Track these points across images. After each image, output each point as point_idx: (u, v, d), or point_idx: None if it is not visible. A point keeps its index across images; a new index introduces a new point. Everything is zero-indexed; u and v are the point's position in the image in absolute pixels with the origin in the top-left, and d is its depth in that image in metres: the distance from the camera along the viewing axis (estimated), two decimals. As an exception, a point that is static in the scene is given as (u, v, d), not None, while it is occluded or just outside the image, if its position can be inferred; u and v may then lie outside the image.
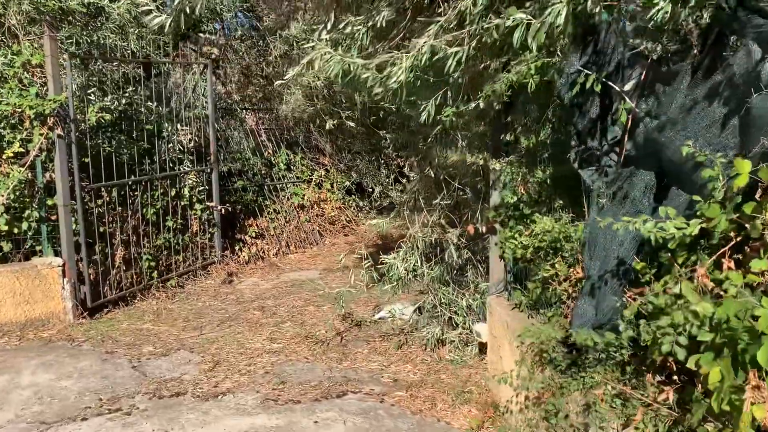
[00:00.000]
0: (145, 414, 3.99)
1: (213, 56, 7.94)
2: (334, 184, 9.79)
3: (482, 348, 4.45)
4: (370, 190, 10.51)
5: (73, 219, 5.77)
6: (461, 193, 4.44)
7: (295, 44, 7.63)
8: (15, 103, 5.36)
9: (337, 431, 3.67)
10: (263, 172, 8.93)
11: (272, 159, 9.16)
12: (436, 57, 2.91)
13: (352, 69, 3.20)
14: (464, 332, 4.55)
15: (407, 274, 4.51)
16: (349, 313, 6.07)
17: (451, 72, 2.93)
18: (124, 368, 4.78)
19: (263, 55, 8.36)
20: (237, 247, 8.03)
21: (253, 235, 8.32)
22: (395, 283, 4.56)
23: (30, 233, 5.73)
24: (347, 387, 4.31)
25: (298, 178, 9.38)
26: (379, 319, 5.76)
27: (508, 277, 3.86)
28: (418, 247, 4.52)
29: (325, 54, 3.21)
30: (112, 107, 6.04)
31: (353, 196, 10.29)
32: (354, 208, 10.05)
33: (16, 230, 5.66)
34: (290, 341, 5.34)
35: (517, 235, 3.26)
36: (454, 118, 3.18)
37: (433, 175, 4.41)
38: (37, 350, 5.14)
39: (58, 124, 5.55)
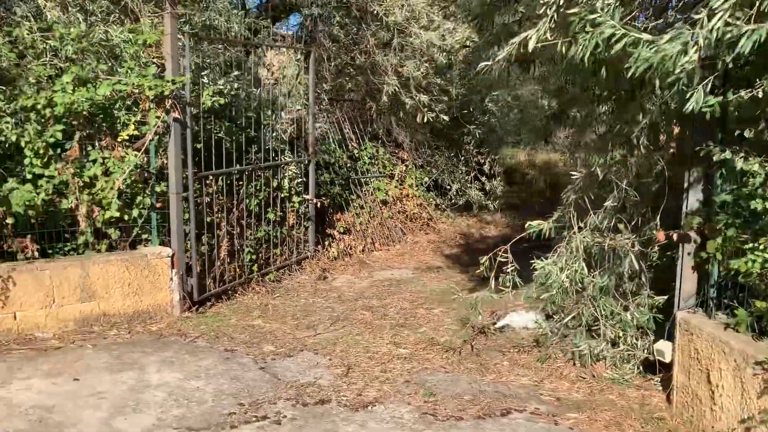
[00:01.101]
0: (296, 424, 3.69)
1: (311, 43, 7.61)
2: (413, 180, 9.44)
3: (650, 367, 4.09)
4: (447, 187, 10.16)
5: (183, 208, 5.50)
6: (627, 194, 4.05)
7: (396, 32, 7.27)
8: (135, 84, 5.07)
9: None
10: (348, 165, 8.62)
11: (356, 152, 8.83)
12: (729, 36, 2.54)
13: (613, 44, 2.81)
14: (626, 349, 4.18)
15: (571, 284, 4.13)
16: (466, 318, 5.73)
17: (746, 53, 2.55)
18: (251, 369, 4.49)
19: (357, 43, 8.02)
20: (327, 243, 7.73)
21: (341, 230, 8.02)
22: (554, 292, 4.19)
23: (140, 221, 5.46)
24: (507, 404, 3.97)
25: (380, 172, 9.06)
26: (502, 327, 5.41)
27: (711, 293, 3.48)
28: (577, 253, 4.14)
29: (587, 20, 2.79)
30: (225, 91, 5.74)
31: (431, 193, 9.94)
32: (433, 206, 9.70)
33: (126, 217, 5.39)
34: (416, 347, 5.02)
35: (761, 248, 2.88)
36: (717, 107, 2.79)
37: (599, 174, 4.02)
38: (150, 345, 4.87)
39: (175, 107, 5.27)
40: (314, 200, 7.23)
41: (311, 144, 7.14)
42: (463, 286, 6.80)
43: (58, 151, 5.09)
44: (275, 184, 6.63)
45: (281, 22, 8.81)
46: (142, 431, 3.57)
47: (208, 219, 5.88)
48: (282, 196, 6.78)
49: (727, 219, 3.16)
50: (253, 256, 6.43)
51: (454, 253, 8.47)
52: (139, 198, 5.40)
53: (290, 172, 6.83)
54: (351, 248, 7.98)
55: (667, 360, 3.77)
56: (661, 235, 3.68)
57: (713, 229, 3.39)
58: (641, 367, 4.23)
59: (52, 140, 5.01)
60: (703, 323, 3.41)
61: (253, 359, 4.68)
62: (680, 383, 3.63)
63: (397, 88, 7.48)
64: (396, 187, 9.02)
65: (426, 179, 9.73)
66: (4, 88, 4.80)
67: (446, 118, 8.03)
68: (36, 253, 5.02)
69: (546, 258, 4.46)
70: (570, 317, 4.33)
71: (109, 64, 5.24)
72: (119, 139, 5.26)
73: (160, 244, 5.60)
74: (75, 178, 5.11)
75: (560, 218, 4.15)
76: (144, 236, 5.63)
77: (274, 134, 6.57)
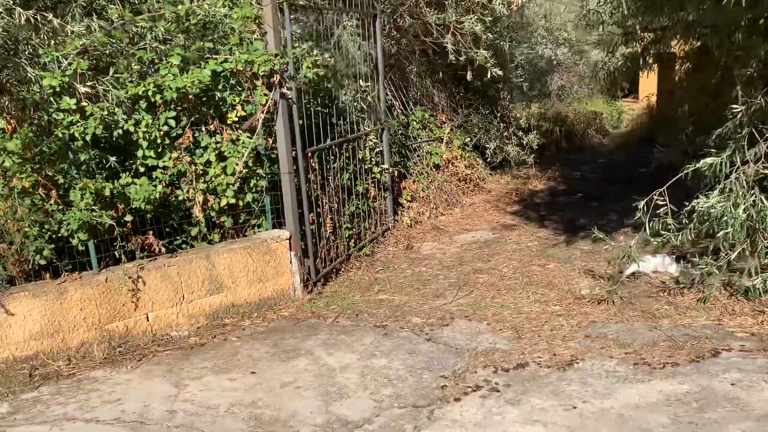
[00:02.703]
0: (516, 389, 3.61)
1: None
2: (459, 141, 9.31)
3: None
4: (486, 146, 10.07)
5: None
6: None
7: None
8: (244, 60, 4.78)
9: (767, 394, 3.30)
10: (400, 132, 8.42)
11: (404, 118, 8.63)
12: None
13: None
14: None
15: (747, 219, 4.10)
16: (589, 270, 5.70)
17: None
18: (419, 342, 4.37)
19: (403, 3, 7.76)
20: (399, 212, 7.57)
21: (409, 198, 7.86)
22: (730, 230, 4.15)
23: (256, 205, 5.21)
24: (709, 345, 3.96)
25: (429, 136, 8.89)
26: (632, 274, 5.37)
27: None
28: (751, 185, 4.11)
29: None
30: (320, 62, 5.48)
31: (475, 153, 9.83)
32: (481, 166, 9.60)
33: (240, 203, 5.14)
34: (564, 303, 4.96)
35: None
36: None
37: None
38: (296, 330, 4.69)
39: (284, 83, 5.00)
40: (391, 169, 7.05)
41: (383, 110, 6.93)
42: (554, 239, 6.79)
43: (167, 140, 4.78)
44: (360, 155, 6.42)
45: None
46: (369, 413, 3.43)
47: (312, 197, 5.65)
48: (366, 167, 6.58)
49: None
50: (350, 232, 6.25)
51: (517, 210, 8.42)
52: (253, 181, 5.14)
53: (371, 143, 6.61)
54: (420, 215, 7.84)
55: None
56: None
57: None
58: None
59: (165, 128, 4.70)
60: None
61: (412, 332, 4.55)
62: None
63: (457, 46, 7.28)
64: (447, 149, 8.87)
65: (468, 139, 9.60)
66: (116, 76, 4.44)
67: (500, 73, 7.87)
68: (163, 249, 4.75)
69: (703, 195, 4.39)
70: (736, 253, 4.30)
71: (213, 42, 4.92)
72: (229, 121, 4.97)
73: (272, 228, 5.37)
74: (192, 166, 4.82)
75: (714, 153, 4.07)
76: (253, 221, 5.39)
77: (355, 104, 6.32)
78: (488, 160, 10.28)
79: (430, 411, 3.42)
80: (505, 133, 10.23)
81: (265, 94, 4.96)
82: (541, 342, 4.24)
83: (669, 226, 4.52)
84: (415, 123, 8.71)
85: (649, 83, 17.77)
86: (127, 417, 3.56)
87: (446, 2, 7.62)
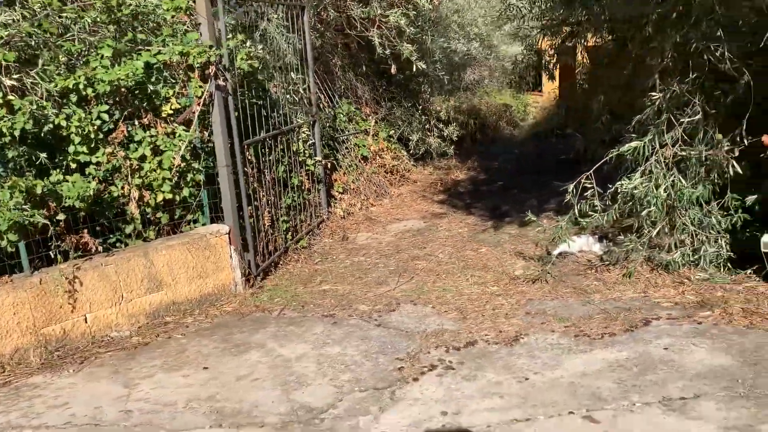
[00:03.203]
0: (470, 366, 3.77)
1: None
2: (385, 134, 9.46)
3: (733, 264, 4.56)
4: (409, 138, 10.28)
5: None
6: (707, 108, 4.40)
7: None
8: (179, 52, 4.69)
9: (699, 356, 3.62)
10: (328, 124, 8.46)
11: (333, 111, 8.68)
12: None
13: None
14: (714, 250, 4.60)
15: (668, 198, 4.44)
16: (520, 252, 5.98)
17: None
18: (369, 328, 4.46)
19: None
20: (331, 204, 7.63)
21: (341, 190, 7.93)
22: (653, 208, 4.49)
23: (194, 200, 5.13)
24: (640, 315, 4.27)
25: (356, 129, 8.98)
26: (560, 254, 5.69)
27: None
28: (670, 167, 4.47)
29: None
30: (254, 53, 5.44)
31: (399, 145, 10.01)
32: (406, 158, 9.79)
33: (177, 198, 5.04)
34: (501, 284, 5.19)
35: None
36: None
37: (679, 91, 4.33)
38: (242, 325, 4.67)
39: (219, 74, 4.95)
40: (323, 161, 7.08)
41: (314, 103, 6.95)
42: (482, 225, 7.06)
43: (101, 134, 4.62)
44: (295, 148, 6.42)
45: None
46: (331, 399, 3.49)
47: (249, 190, 5.61)
48: (300, 160, 6.59)
49: None
50: (287, 225, 6.25)
51: (443, 199, 8.67)
52: (190, 176, 5.04)
53: (303, 135, 6.62)
54: (352, 206, 7.93)
55: (773, 250, 4.23)
56: (766, 138, 4.06)
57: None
58: (729, 265, 4.67)
59: (98, 122, 4.54)
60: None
61: (361, 319, 4.64)
62: (795, 268, 4.09)
63: (382, 40, 7.40)
64: (373, 142, 8.99)
65: (392, 132, 9.76)
66: (45, 68, 4.24)
67: (424, 66, 8.06)
68: (100, 248, 4.59)
69: (626, 178, 4.71)
70: (657, 230, 4.65)
71: (145, 34, 4.78)
72: (163, 115, 4.86)
73: (210, 223, 5.30)
74: (126, 161, 4.68)
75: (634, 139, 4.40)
76: (189, 217, 5.29)
77: (287, 96, 6.31)
78: (411, 152, 10.48)
79: (392, 392, 3.51)
80: (427, 126, 10.47)
81: (201, 86, 4.89)
82: (485, 321, 4.43)
83: (596, 208, 4.82)
84: (341, 116, 8.77)
85: (549, 80, 18.66)
86: (79, 420, 3.44)
87: (370, -5, 7.71)
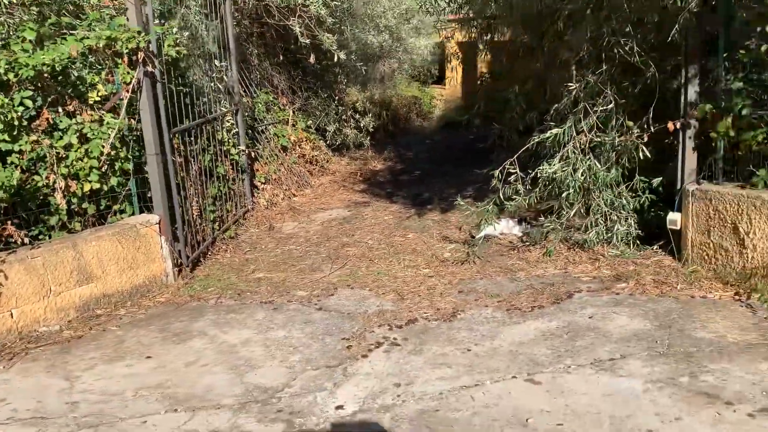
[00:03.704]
0: (415, 341, 3.95)
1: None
2: (303, 124, 9.50)
3: (640, 241, 5.01)
4: (326, 129, 10.38)
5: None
6: (618, 97, 4.81)
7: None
8: (107, 36, 4.57)
9: (620, 322, 3.99)
10: (247, 114, 8.40)
11: (252, 100, 8.62)
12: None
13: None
14: (624, 228, 5.03)
15: (586, 183, 4.82)
16: (445, 237, 6.25)
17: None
18: (311, 312, 4.56)
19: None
20: (255, 194, 7.62)
21: (263, 180, 7.92)
22: (571, 191, 4.85)
23: (122, 189, 5.01)
24: (563, 289, 4.62)
25: (274, 119, 8.97)
26: (483, 237, 5.99)
27: (720, 165, 4.40)
28: (586, 152, 4.84)
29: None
30: (179, 40, 5.36)
31: (317, 135, 10.08)
32: (325, 148, 9.88)
33: (105, 187, 4.91)
34: (432, 266, 5.42)
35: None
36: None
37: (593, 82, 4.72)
38: (179, 314, 4.64)
39: (148, 61, 4.86)
40: (247, 150, 7.06)
41: (237, 92, 6.91)
42: (406, 213, 7.30)
43: (24, 122, 4.44)
44: (219, 137, 6.37)
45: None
46: (285, 378, 3.57)
47: (177, 179, 5.53)
48: (225, 149, 6.54)
49: (744, 101, 4.04)
50: (214, 215, 6.20)
51: (365, 189, 8.83)
52: (117, 164, 4.92)
53: (227, 123, 6.58)
54: (275, 196, 7.94)
55: (678, 227, 4.69)
56: (671, 125, 4.50)
57: (713, 113, 4.27)
58: (637, 242, 5.13)
59: (20, 109, 4.35)
60: (721, 188, 4.33)
61: (301, 304, 4.72)
62: (697, 242, 4.56)
63: (303, 29, 7.44)
64: (293, 132, 9.01)
65: (310, 122, 9.81)
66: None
67: (343, 57, 8.18)
68: (26, 240, 4.41)
69: (546, 163, 5.06)
70: (574, 211, 5.04)
71: (70, 17, 4.61)
72: (90, 101, 4.72)
73: (140, 212, 5.20)
74: (52, 149, 4.52)
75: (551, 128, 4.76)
76: (115, 207, 5.16)
77: (211, 84, 6.25)
78: (328, 142, 10.56)
79: (344, 369, 3.64)
80: (344, 117, 10.58)
81: (129, 73, 4.78)
82: (422, 300, 4.64)
83: (519, 191, 5.13)
84: (260, 105, 8.72)
85: (453, 72, 19.33)
86: (22, 415, 3.34)
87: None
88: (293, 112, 9.35)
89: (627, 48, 4.72)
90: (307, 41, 7.82)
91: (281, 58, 9.45)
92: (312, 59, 8.50)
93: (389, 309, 4.52)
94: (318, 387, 3.45)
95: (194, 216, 5.72)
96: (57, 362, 3.94)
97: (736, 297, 4.17)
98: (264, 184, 7.93)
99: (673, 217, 4.68)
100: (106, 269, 4.81)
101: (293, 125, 9.08)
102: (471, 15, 7.21)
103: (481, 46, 7.78)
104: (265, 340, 4.11)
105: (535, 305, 4.36)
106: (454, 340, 3.93)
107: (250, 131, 8.19)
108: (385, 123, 14.18)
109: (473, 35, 7.66)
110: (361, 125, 10.72)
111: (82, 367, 3.86)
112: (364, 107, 11.09)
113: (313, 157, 9.27)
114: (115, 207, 5.14)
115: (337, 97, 10.57)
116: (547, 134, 4.87)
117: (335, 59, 7.69)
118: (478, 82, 16.96)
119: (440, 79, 20.17)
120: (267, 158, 8.31)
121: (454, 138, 13.35)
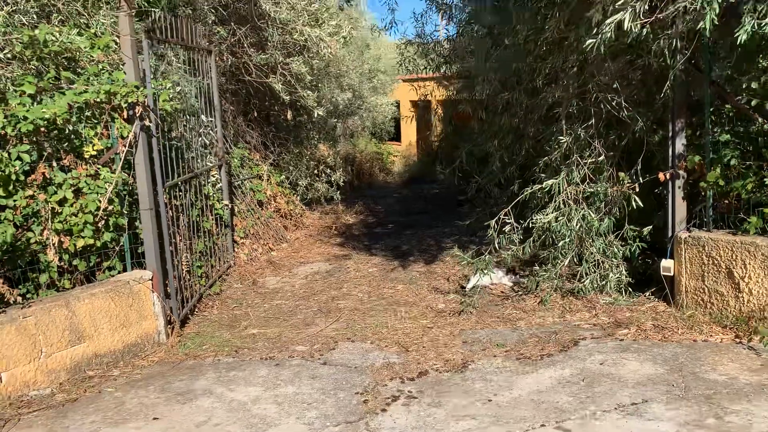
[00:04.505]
0: (431, 393, 3.92)
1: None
2: (277, 179, 9.51)
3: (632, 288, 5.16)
4: (299, 183, 10.41)
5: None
6: (610, 151, 5.02)
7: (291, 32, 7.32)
8: (105, 91, 4.54)
9: (632, 367, 4.05)
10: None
11: (229, 155, 8.59)
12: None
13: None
14: (617, 276, 5.18)
15: (579, 230, 4.95)
16: (436, 288, 6.28)
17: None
18: (316, 367, 4.48)
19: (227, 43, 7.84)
20: (235, 248, 7.51)
21: (242, 235, 7.83)
22: (567, 240, 4.97)
23: (114, 245, 4.88)
24: (567, 337, 4.68)
25: (249, 174, 8.95)
26: (473, 288, 6.05)
27: (709, 213, 4.61)
28: (579, 202, 5.00)
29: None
30: (173, 95, 5.36)
31: (291, 190, 10.09)
32: (299, 203, 9.88)
33: (98, 243, 4.77)
34: (428, 318, 5.42)
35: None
36: None
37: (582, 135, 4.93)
38: (176, 374, 4.49)
39: (146, 115, 4.83)
40: (230, 205, 7.00)
41: (221, 147, 6.89)
42: (390, 265, 7.31)
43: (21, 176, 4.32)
44: (205, 191, 6.31)
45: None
46: (307, 437, 3.47)
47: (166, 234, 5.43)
48: (210, 204, 6.47)
49: (732, 152, 4.28)
50: (201, 270, 6.08)
51: (342, 242, 8.83)
52: (111, 219, 4.81)
53: (213, 178, 6.53)
54: (254, 251, 7.85)
55: (672, 273, 4.85)
56: (662, 176, 4.71)
57: (701, 164, 4.51)
58: (629, 289, 5.27)
59: (17, 164, 4.24)
60: (713, 235, 4.52)
61: (304, 359, 4.64)
62: (691, 287, 4.72)
63: (285, 86, 7.54)
64: (268, 187, 8.99)
65: (283, 177, 9.82)
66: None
67: (321, 113, 8.30)
68: (18, 299, 4.23)
69: (540, 213, 5.19)
70: (568, 259, 5.16)
71: (69, 72, 4.56)
72: (86, 156, 4.64)
73: (128, 269, 5.05)
74: (47, 204, 4.39)
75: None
76: (105, 264, 5.01)
77: (200, 139, 6.22)
78: (300, 197, 10.57)
79: (365, 423, 3.56)
80: (315, 171, 10.63)
81: (125, 127, 4.73)
82: (428, 352, 4.61)
83: (514, 241, 5.23)
84: (236, 160, 8.69)
85: (408, 129, 19.86)
86: (29, 486, 3.12)
87: (269, 44, 7.83)
88: (267, 167, 9.34)
89: (614, 103, 4.95)
90: (287, 98, 7.90)
91: (255, 114, 9.49)
92: (290, 115, 8.58)
93: (396, 362, 4.47)
94: (344, 443, 3.36)
95: (184, 272, 5.59)
96: (56, 427, 3.73)
97: (737, 340, 4.31)
98: (243, 238, 7.84)
99: (667, 264, 4.85)
100: (99, 328, 4.63)
101: (267, 180, 9.06)
102: (449, 74, 7.45)
103: (462, 103, 7.97)
104: (275, 396, 4.00)
105: (543, 353, 4.40)
106: (471, 390, 3.91)
107: (228, 187, 8.13)
108: (351, 178, 14.32)
109: (436, 95, 7.88)
110: (332, 179, 10.78)
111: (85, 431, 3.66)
112: (335, 162, 11.17)
113: (288, 211, 9.23)
114: (106, 264, 4.99)
115: (309, 152, 10.63)
116: (544, 184, 5.01)
117: (315, 115, 7.78)
118: (436, 140, 17.43)
119: (396, 137, 20.61)
120: (245, 213, 8.23)
121: (420, 192, 13.56)
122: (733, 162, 4.31)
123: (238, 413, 3.79)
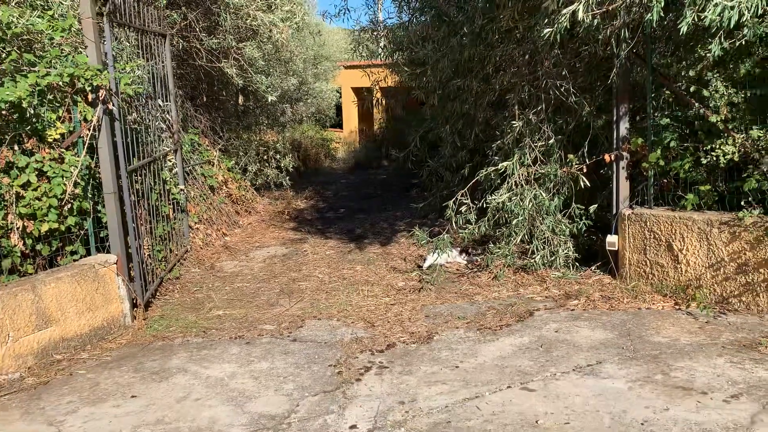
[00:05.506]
0: (401, 362, 4.13)
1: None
2: (229, 164, 9.52)
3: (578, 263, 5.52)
4: (248, 169, 10.44)
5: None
6: (558, 135, 5.34)
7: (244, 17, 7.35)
8: (69, 74, 4.52)
9: (585, 333, 4.39)
10: (173, 154, 8.32)
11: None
12: None
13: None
14: (565, 251, 5.53)
15: (535, 210, 5.26)
16: (394, 268, 6.50)
17: None
18: (287, 344, 4.63)
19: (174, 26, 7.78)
20: (190, 233, 7.52)
21: (196, 220, 7.84)
22: (520, 218, 5.27)
23: (78, 229, 4.88)
24: (522, 308, 4.98)
25: (200, 159, 8.92)
26: (429, 266, 6.31)
27: (651, 191, 4.99)
28: (531, 183, 5.31)
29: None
30: (134, 78, 5.35)
31: (242, 175, 10.11)
32: (251, 188, 9.91)
33: (62, 227, 4.77)
34: (390, 295, 5.64)
35: (722, 147, 4.36)
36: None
37: (533, 120, 5.23)
38: (147, 354, 4.55)
39: (109, 99, 4.84)
40: (186, 190, 7.01)
41: (176, 131, 6.89)
42: (346, 247, 7.50)
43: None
44: (163, 175, 6.31)
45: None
46: (287, 405, 3.63)
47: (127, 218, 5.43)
48: (167, 188, 6.48)
49: (671, 134, 4.66)
50: (161, 254, 6.10)
51: (295, 226, 8.94)
52: (76, 203, 4.80)
53: (169, 162, 6.53)
54: (208, 236, 7.87)
55: (616, 248, 5.22)
56: (607, 157, 5.06)
57: (643, 146, 4.88)
58: (576, 264, 5.63)
59: (-19, 146, 4.19)
60: (654, 211, 4.91)
61: (273, 337, 4.78)
62: (634, 260, 5.11)
63: (237, 72, 7.56)
64: (219, 172, 8.99)
65: (233, 162, 9.83)
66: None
67: (274, 98, 8.35)
68: (-15, 283, 4.19)
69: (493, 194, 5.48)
70: (520, 236, 5.47)
71: (31, 55, 4.51)
72: (49, 139, 4.61)
73: (92, 253, 5.06)
74: (11, 188, 4.36)
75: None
76: (68, 248, 5.00)
77: (157, 123, 6.21)
78: (250, 182, 10.59)
79: (342, 392, 3.75)
80: (264, 157, 10.66)
81: (89, 110, 4.72)
82: (393, 326, 4.83)
83: (470, 220, 5.51)
84: (186, 146, 8.64)
85: (350, 116, 20.04)
86: (16, 463, 3.17)
87: (220, 28, 7.82)
88: (217, 153, 9.32)
89: (562, 89, 5.26)
90: (240, 83, 7.92)
91: (204, 99, 9.44)
92: (241, 100, 8.59)
93: (364, 336, 4.67)
94: (324, 410, 3.54)
95: (146, 256, 5.60)
96: (32, 409, 3.75)
97: (677, 306, 4.71)
98: (197, 224, 7.84)
99: (612, 239, 5.22)
100: (65, 312, 4.63)
101: (218, 166, 9.05)
102: (401, 61, 7.65)
103: (415, 90, 8.16)
104: (251, 372, 4.13)
105: (502, 324, 4.69)
106: (439, 359, 4.15)
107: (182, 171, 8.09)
108: (298, 164, 14.37)
109: (389, 81, 8.08)
110: (281, 165, 10.84)
111: (63, 411, 3.70)
112: (284, 148, 11.22)
113: (240, 196, 9.26)
114: (69, 248, 4.97)
115: (258, 138, 10.64)
116: (499, 166, 5.29)
117: (268, 101, 7.83)
118: (380, 127, 17.63)
119: (338, 124, 20.72)
120: (197, 198, 8.22)
121: (367, 178, 13.75)
122: (672, 144, 4.69)
123: (217, 388, 3.91)
